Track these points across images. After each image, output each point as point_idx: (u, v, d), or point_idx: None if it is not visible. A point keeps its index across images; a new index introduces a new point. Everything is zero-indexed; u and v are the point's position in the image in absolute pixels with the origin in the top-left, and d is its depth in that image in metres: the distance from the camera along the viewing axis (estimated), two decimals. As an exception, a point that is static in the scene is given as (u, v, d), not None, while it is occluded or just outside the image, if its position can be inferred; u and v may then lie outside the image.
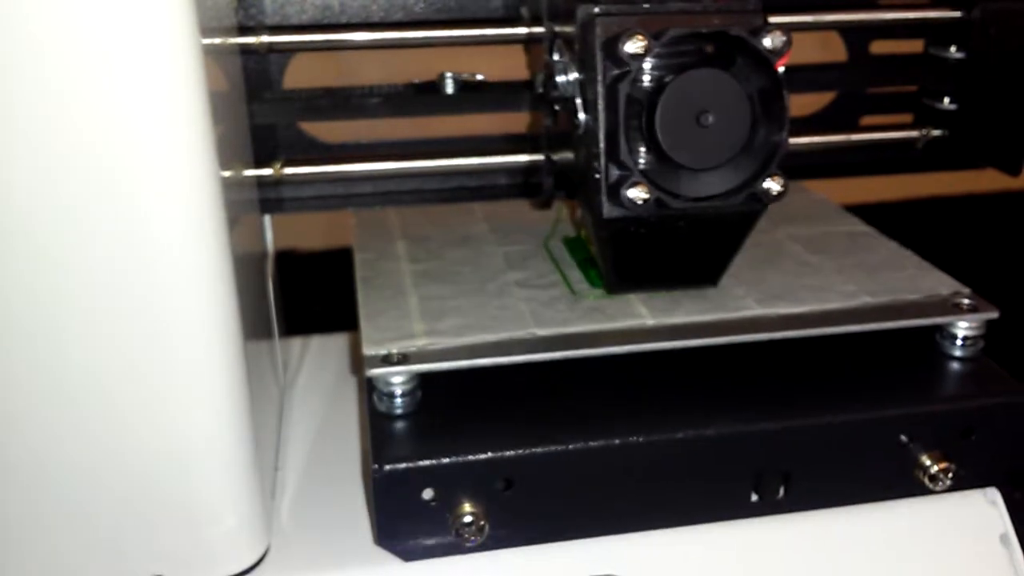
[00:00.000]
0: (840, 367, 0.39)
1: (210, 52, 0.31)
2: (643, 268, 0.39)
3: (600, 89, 0.35)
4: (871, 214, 0.50)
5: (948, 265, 0.44)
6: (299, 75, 0.47)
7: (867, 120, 0.52)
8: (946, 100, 0.50)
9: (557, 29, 0.39)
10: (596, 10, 0.35)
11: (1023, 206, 0.84)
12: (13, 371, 0.30)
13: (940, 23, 0.48)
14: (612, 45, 0.34)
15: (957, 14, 0.47)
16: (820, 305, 0.39)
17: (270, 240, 0.48)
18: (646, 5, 0.35)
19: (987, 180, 0.52)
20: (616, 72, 0.34)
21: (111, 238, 0.29)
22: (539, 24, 0.41)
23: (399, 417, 0.36)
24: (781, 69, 0.35)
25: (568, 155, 0.40)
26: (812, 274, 0.42)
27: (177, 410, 0.32)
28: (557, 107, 0.39)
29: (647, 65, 0.34)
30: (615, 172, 0.35)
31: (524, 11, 0.44)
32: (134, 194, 0.29)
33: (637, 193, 0.34)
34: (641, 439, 0.35)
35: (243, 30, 0.43)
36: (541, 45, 0.40)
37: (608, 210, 0.36)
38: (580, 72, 0.36)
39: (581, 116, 0.36)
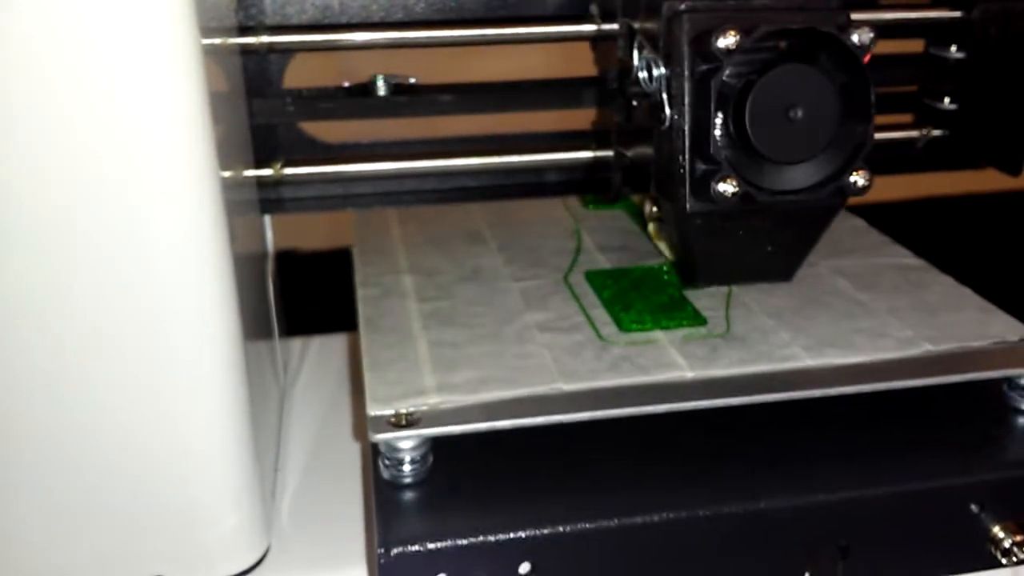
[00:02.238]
0: (899, 425, 0.36)
1: (210, 52, 0.31)
2: (720, 262, 0.39)
3: (687, 84, 0.35)
4: (871, 214, 0.50)
5: (948, 265, 0.44)
6: (299, 75, 0.47)
7: (867, 120, 0.52)
8: (946, 100, 0.50)
9: (636, 26, 0.39)
10: (683, 6, 0.35)
11: (1023, 206, 0.84)
12: (13, 371, 0.30)
13: (940, 23, 0.48)
14: (701, 40, 0.34)
15: (957, 14, 0.47)
16: (876, 354, 0.36)
17: (270, 240, 0.48)
18: (731, 1, 0.35)
19: (987, 180, 0.52)
20: (705, 67, 0.34)
21: (111, 238, 0.29)
22: (611, 21, 0.42)
23: (408, 487, 0.32)
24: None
25: (645, 150, 0.40)
26: (864, 316, 0.39)
27: (177, 410, 0.32)
28: (635, 103, 0.40)
29: (735, 60, 0.34)
30: (701, 166, 0.35)
31: (594, 8, 0.44)
32: (134, 194, 0.29)
33: (726, 187, 0.35)
34: (683, 514, 0.31)
35: (243, 30, 0.43)
36: (616, 42, 0.41)
37: (692, 204, 0.36)
38: (666, 67, 0.36)
39: (667, 111, 0.36)
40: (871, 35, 0.34)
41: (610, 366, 0.35)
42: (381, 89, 0.46)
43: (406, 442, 0.32)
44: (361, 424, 0.44)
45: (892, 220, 0.51)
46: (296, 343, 0.54)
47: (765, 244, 0.38)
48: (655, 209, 0.44)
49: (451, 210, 0.51)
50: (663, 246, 0.45)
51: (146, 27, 0.27)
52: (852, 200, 0.38)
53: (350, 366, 0.52)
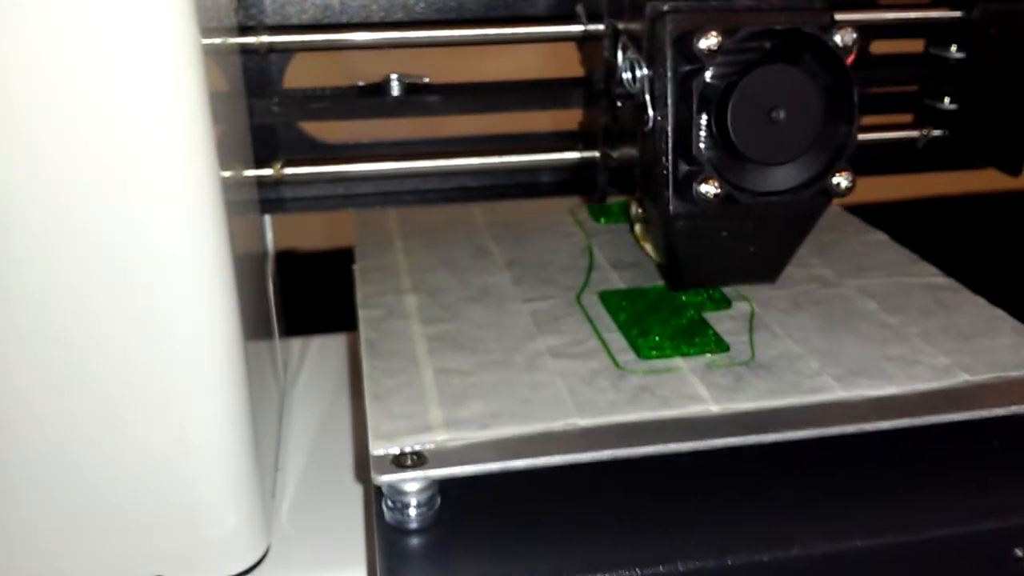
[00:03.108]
0: (937, 462, 0.33)
1: (210, 52, 0.31)
2: (705, 263, 0.39)
3: (670, 85, 0.35)
4: (871, 214, 0.50)
5: (948, 265, 0.44)
6: (299, 75, 0.47)
7: (867, 120, 0.52)
8: (946, 100, 0.50)
9: (621, 26, 0.39)
10: (666, 7, 0.35)
11: (1023, 206, 0.84)
12: (14, 372, 0.30)
13: (940, 23, 0.48)
14: (684, 41, 0.34)
15: (957, 14, 0.47)
16: (911, 385, 0.34)
17: (270, 240, 0.48)
18: (714, 2, 0.35)
19: (987, 180, 0.52)
20: (688, 68, 0.34)
21: (111, 238, 0.29)
22: (598, 21, 0.42)
23: (414, 532, 0.30)
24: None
25: (630, 151, 0.40)
26: (895, 341, 0.37)
27: (177, 410, 0.32)
28: (619, 103, 0.40)
29: (717, 61, 0.34)
30: (684, 167, 0.35)
31: (580, 9, 0.44)
32: (134, 194, 0.29)
33: (708, 188, 0.35)
34: (710, 564, 0.29)
35: (243, 30, 0.43)
36: (602, 42, 0.41)
37: (675, 205, 0.36)
38: (649, 68, 0.36)
39: (650, 112, 0.36)
40: (854, 36, 0.34)
41: (629, 398, 0.33)
42: (395, 89, 0.46)
43: (412, 484, 0.30)
44: (360, 453, 0.42)
45: (892, 220, 0.51)
46: (296, 343, 0.54)
47: (749, 245, 0.38)
48: (640, 210, 0.44)
49: (455, 220, 0.49)
50: (649, 247, 0.45)
51: (146, 27, 0.27)
52: (851, 200, 0.37)
53: (350, 366, 0.52)
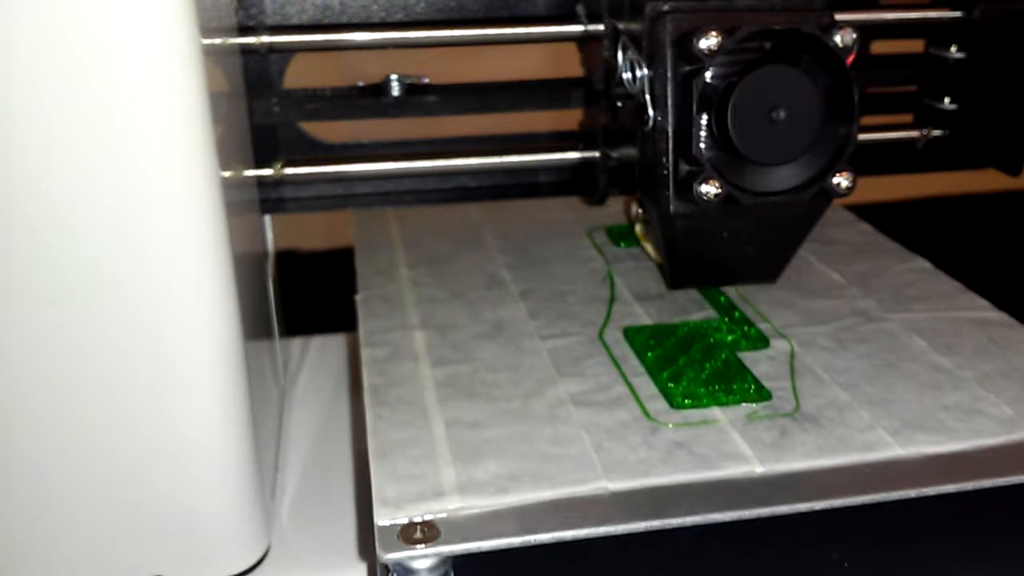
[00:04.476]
0: (1002, 527, 0.30)
1: (210, 52, 0.31)
2: (705, 264, 0.39)
3: (670, 85, 0.35)
4: (871, 214, 0.51)
5: (948, 265, 0.44)
6: (299, 75, 0.47)
7: (867, 120, 0.52)
8: (946, 100, 0.50)
9: (621, 27, 0.39)
10: (666, 7, 0.35)
11: (1023, 206, 0.84)
12: (14, 372, 0.30)
13: (940, 23, 0.48)
14: (684, 41, 0.34)
15: (957, 14, 0.47)
16: (975, 440, 0.31)
17: (270, 240, 0.48)
18: (714, 2, 0.35)
19: (987, 180, 0.52)
20: (688, 68, 0.34)
21: (111, 238, 0.29)
22: (599, 22, 0.42)
23: None
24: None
25: (630, 151, 0.40)
26: (950, 387, 0.34)
27: (177, 410, 0.32)
28: (619, 103, 0.40)
29: (717, 61, 0.34)
30: (684, 167, 0.35)
31: (580, 9, 0.44)
32: (134, 194, 0.29)
33: (708, 188, 0.35)
34: None
35: (243, 30, 0.43)
36: (602, 42, 0.41)
37: (675, 205, 0.36)
38: (649, 68, 0.36)
39: (650, 112, 0.36)
40: (854, 36, 0.34)
41: (663, 456, 0.30)
42: (395, 89, 0.46)
43: (423, 561, 0.27)
44: (363, 520, 0.39)
45: (892, 220, 0.51)
46: (296, 343, 0.54)
47: (749, 245, 0.38)
48: (640, 210, 0.43)
49: (464, 244, 0.47)
50: (649, 247, 0.45)
51: (146, 27, 0.27)
52: (851, 200, 0.37)
53: (350, 366, 0.52)
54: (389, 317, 0.39)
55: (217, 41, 0.34)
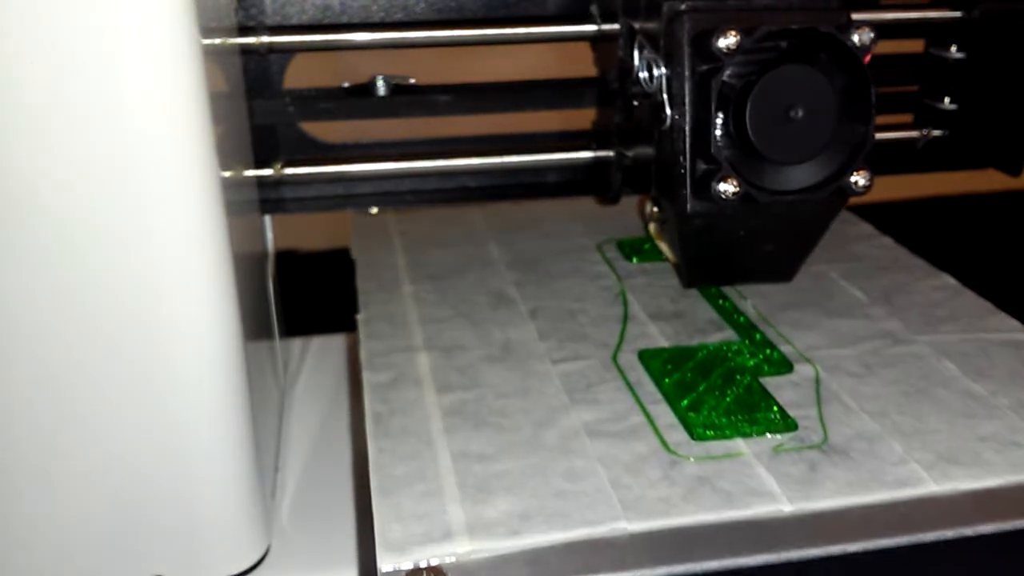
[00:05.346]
0: None
1: (210, 52, 0.31)
2: (721, 263, 0.39)
3: (688, 84, 0.35)
4: (871, 214, 0.51)
5: (948, 265, 0.44)
6: (299, 75, 0.47)
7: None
8: (946, 100, 0.50)
9: (637, 26, 0.39)
10: (684, 6, 0.35)
11: (1023, 206, 0.84)
12: (13, 371, 0.30)
13: (940, 23, 0.48)
14: (702, 40, 0.34)
15: (957, 14, 0.47)
16: (1014, 475, 0.29)
17: (270, 240, 0.48)
18: (732, 1, 0.35)
19: (987, 180, 0.52)
20: (705, 67, 0.35)
21: (111, 238, 0.29)
22: (613, 21, 0.42)
23: None
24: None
25: (645, 150, 0.40)
26: (985, 416, 0.32)
27: (177, 410, 0.32)
28: (636, 102, 0.40)
29: (735, 60, 0.34)
30: (702, 166, 0.35)
31: (594, 8, 0.44)
32: (134, 194, 0.29)
33: (727, 187, 0.34)
34: None
35: (243, 30, 0.43)
36: (616, 42, 0.41)
37: (693, 204, 0.36)
38: (666, 67, 0.36)
39: (667, 111, 0.36)
40: (871, 35, 0.34)
41: (684, 493, 0.28)
42: (381, 90, 0.45)
43: None
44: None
45: (892, 220, 0.51)
46: (296, 343, 0.54)
47: (766, 244, 0.38)
48: (656, 209, 0.44)
49: (470, 258, 0.46)
50: (663, 246, 0.45)
51: (146, 27, 0.27)
52: (851, 200, 0.37)
53: (350, 366, 0.52)
54: (392, 338, 0.38)
55: (217, 41, 0.34)
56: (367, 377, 0.35)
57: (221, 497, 0.33)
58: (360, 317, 0.40)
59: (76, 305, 0.30)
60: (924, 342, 0.38)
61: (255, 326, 0.38)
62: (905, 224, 0.51)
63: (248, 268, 0.37)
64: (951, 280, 0.43)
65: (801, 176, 0.36)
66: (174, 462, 0.32)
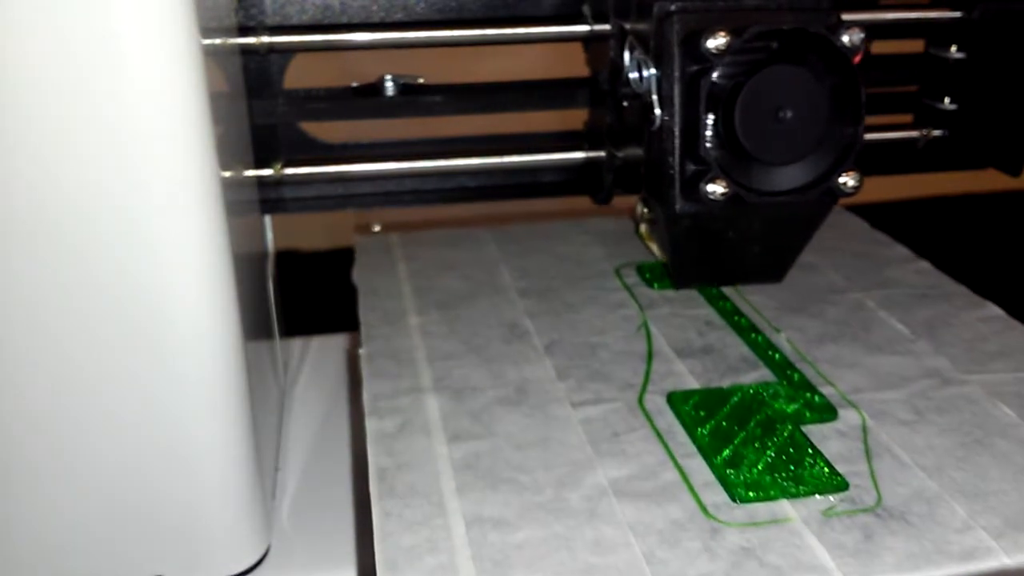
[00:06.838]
0: None
1: (210, 52, 0.31)
2: (710, 263, 0.39)
3: (677, 85, 0.35)
4: (871, 214, 0.51)
5: (948, 265, 0.44)
6: (299, 75, 0.47)
7: (867, 120, 0.52)
8: (946, 100, 0.50)
9: (628, 26, 0.39)
10: (674, 7, 0.35)
11: (1023, 206, 0.84)
12: (13, 372, 0.30)
13: (940, 23, 0.48)
14: (692, 41, 0.34)
15: (957, 14, 0.47)
16: None
17: (270, 240, 0.48)
18: (722, 2, 0.35)
19: (987, 180, 0.52)
20: (695, 68, 0.35)
21: (111, 238, 0.29)
22: (604, 21, 0.42)
23: None
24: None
25: (635, 151, 0.40)
26: None
27: (177, 411, 0.32)
28: (625, 103, 0.40)
29: (725, 61, 0.34)
30: (691, 167, 0.35)
31: (586, 9, 0.44)
32: (134, 194, 0.29)
33: (716, 188, 0.35)
34: None
35: (243, 30, 0.43)
36: (608, 42, 0.41)
37: (682, 205, 0.36)
38: (656, 68, 0.36)
39: (657, 112, 0.36)
40: (861, 36, 0.34)
41: (729, 568, 0.25)
42: (389, 89, 0.45)
43: None
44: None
45: (892, 220, 0.51)
46: (296, 343, 0.54)
47: (755, 245, 0.38)
48: (646, 210, 0.43)
49: (480, 285, 0.43)
50: (654, 246, 0.44)
51: (146, 27, 0.27)
52: (852, 200, 0.37)
53: (350, 366, 0.52)
54: (397, 378, 0.35)
55: (217, 41, 0.34)
56: (371, 424, 0.33)
57: (221, 497, 0.33)
58: (363, 352, 0.37)
59: (76, 305, 0.30)
60: (975, 382, 0.35)
61: (255, 326, 0.38)
62: (905, 224, 0.51)
63: (248, 268, 0.37)
64: (997, 310, 0.41)
65: (790, 177, 0.36)
66: (174, 462, 0.32)
